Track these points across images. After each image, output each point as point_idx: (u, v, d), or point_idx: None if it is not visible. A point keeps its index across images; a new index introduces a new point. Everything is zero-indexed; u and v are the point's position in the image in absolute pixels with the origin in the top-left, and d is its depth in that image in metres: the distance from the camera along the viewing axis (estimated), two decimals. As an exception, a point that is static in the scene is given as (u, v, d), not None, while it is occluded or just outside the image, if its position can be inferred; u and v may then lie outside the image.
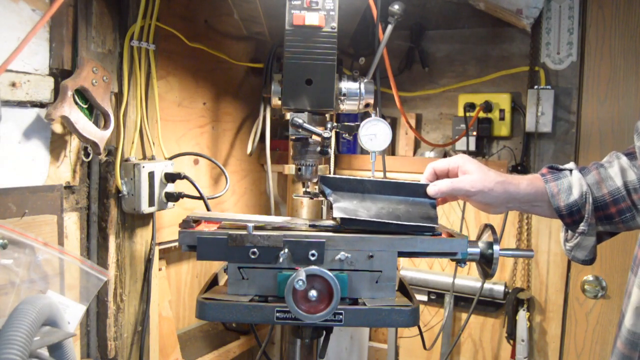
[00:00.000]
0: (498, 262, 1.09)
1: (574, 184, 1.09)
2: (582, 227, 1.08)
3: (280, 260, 1.02)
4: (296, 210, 1.89)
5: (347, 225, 1.09)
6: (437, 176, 1.17)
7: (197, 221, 1.16)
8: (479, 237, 1.17)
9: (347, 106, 1.44)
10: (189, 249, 1.06)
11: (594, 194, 1.09)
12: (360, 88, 1.42)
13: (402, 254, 1.08)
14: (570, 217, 1.09)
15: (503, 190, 1.09)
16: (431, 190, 1.12)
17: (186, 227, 1.09)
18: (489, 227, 1.15)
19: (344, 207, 1.11)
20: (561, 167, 1.14)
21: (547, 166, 1.15)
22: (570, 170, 1.12)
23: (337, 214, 1.09)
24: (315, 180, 1.36)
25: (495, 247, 1.09)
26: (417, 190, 1.14)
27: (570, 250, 1.14)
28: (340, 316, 1.01)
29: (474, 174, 1.09)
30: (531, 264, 2.02)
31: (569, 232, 1.14)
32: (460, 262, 1.13)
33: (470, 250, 1.11)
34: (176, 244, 1.67)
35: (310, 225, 1.17)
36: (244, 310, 1.01)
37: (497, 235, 1.11)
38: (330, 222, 1.18)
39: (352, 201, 1.13)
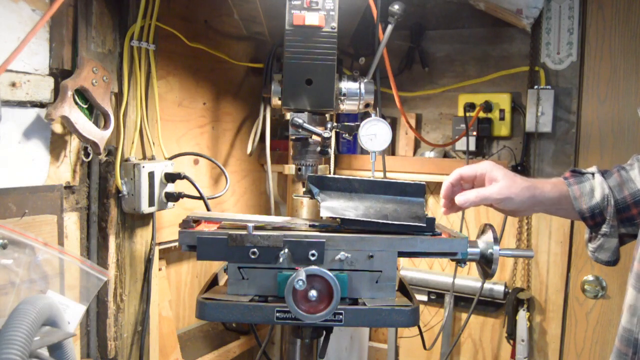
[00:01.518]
0: (498, 262, 1.10)
1: (595, 187, 1.12)
2: (604, 228, 1.11)
3: (280, 260, 1.02)
4: (296, 210, 1.89)
5: (347, 225, 1.09)
6: (464, 181, 1.17)
7: (197, 221, 1.16)
8: (479, 237, 1.17)
9: (347, 106, 1.44)
10: (189, 249, 1.06)
11: (615, 196, 1.11)
12: (360, 88, 1.42)
13: (402, 254, 1.08)
14: (593, 219, 1.11)
15: (530, 195, 1.10)
16: (460, 200, 1.12)
17: (186, 227, 1.09)
18: (489, 227, 1.15)
19: (331, 206, 1.10)
20: (584, 170, 1.16)
21: (570, 170, 1.18)
22: (593, 174, 1.14)
23: (324, 213, 1.09)
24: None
25: (495, 247, 1.10)
26: (405, 189, 1.14)
27: (593, 252, 1.16)
28: (340, 316, 1.01)
29: (501, 181, 1.10)
30: (531, 264, 2.01)
31: (593, 233, 1.16)
32: (460, 262, 1.13)
33: (470, 250, 1.11)
34: (176, 244, 1.67)
35: (310, 225, 1.17)
36: (244, 310, 1.01)
37: (497, 235, 1.12)
38: (330, 222, 1.18)
39: (340, 200, 1.12)
